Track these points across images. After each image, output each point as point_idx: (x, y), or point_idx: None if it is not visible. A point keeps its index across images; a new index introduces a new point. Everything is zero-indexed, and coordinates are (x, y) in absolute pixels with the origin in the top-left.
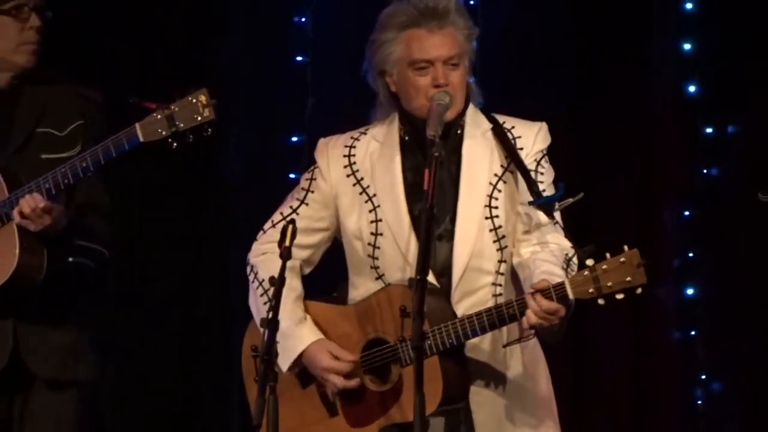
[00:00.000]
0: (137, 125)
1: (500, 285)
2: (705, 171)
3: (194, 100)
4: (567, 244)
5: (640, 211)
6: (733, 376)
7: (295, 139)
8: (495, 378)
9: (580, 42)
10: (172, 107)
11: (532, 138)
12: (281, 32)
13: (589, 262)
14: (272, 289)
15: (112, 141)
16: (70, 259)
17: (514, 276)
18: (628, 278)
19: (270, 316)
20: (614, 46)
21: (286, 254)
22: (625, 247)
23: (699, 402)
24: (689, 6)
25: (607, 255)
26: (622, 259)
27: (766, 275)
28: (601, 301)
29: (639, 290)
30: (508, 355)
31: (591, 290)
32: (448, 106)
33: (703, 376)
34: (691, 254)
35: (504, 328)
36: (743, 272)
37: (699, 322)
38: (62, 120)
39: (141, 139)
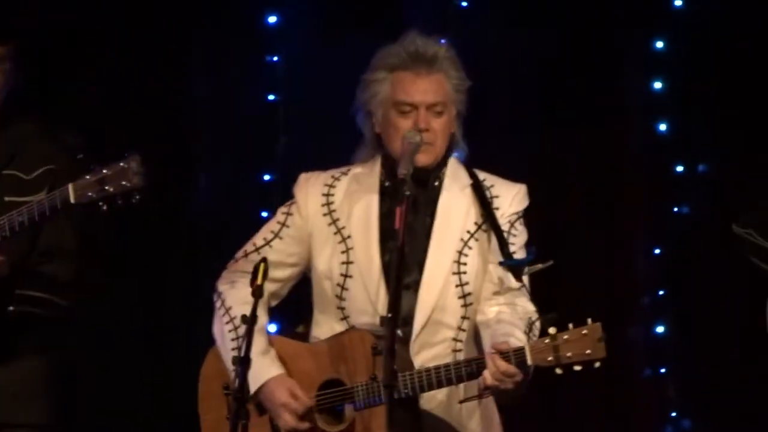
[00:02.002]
0: (70, 186)
1: (461, 341)
2: (676, 209)
3: (126, 166)
4: (531, 308)
5: (610, 248)
6: (704, 414)
7: (266, 177)
8: None
9: (550, 79)
10: (104, 171)
11: (509, 199)
12: (253, 71)
13: (552, 330)
14: (243, 327)
15: (48, 199)
16: (11, 308)
17: (476, 333)
18: (588, 351)
19: (242, 354)
20: (584, 84)
21: (258, 292)
22: (589, 320)
23: None
24: (660, 44)
25: (570, 325)
26: (584, 332)
27: (736, 312)
28: (558, 371)
29: (597, 364)
30: (464, 412)
31: (550, 358)
32: (419, 144)
33: (674, 414)
34: (661, 292)
35: (461, 384)
36: (713, 310)
37: (669, 359)
38: (30, 164)
39: (72, 200)
